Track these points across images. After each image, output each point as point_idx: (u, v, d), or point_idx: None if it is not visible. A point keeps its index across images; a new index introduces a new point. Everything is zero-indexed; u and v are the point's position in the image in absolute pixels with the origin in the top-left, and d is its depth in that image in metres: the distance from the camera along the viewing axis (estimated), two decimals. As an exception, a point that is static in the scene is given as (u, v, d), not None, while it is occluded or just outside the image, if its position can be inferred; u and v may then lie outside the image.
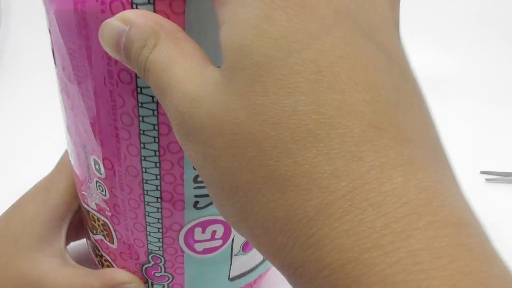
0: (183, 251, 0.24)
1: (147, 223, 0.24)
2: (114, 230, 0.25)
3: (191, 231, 0.23)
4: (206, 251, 0.24)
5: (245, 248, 0.25)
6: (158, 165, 0.22)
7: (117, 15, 0.16)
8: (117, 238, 0.26)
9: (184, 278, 0.26)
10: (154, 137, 0.21)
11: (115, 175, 0.23)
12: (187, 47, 0.15)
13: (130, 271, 0.27)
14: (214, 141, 0.14)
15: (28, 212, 0.27)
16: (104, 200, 0.24)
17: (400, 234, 0.12)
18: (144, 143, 0.21)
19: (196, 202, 0.22)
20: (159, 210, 0.23)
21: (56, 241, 0.27)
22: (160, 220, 0.24)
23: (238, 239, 0.24)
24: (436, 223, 0.12)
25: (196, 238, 0.24)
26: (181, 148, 0.21)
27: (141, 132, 0.21)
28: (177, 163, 0.21)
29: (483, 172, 0.45)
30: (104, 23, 0.16)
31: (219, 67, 0.14)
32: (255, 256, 0.27)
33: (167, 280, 0.26)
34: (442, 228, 0.12)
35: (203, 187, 0.22)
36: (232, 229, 0.23)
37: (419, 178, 0.12)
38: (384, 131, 0.13)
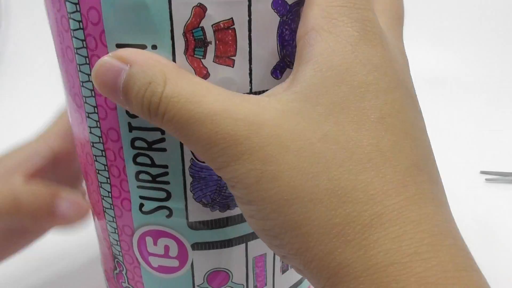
0: (139, 262, 0.22)
1: (106, 220, 0.23)
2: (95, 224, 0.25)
3: (142, 239, 0.21)
4: (163, 269, 0.22)
5: (211, 281, 0.22)
6: (103, 153, 0.20)
7: (112, 53, 0.17)
8: (96, 234, 0.25)
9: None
10: (96, 121, 0.19)
11: (81, 163, 0.22)
12: (204, 82, 0.17)
13: (108, 274, 0.26)
14: (278, 158, 0.16)
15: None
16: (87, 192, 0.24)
17: (433, 246, 0.15)
18: (90, 127, 0.20)
19: (141, 205, 0.20)
20: (112, 207, 0.21)
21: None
22: (114, 219, 0.22)
23: (200, 267, 0.21)
24: (456, 246, 0.16)
25: (148, 249, 0.21)
26: (119, 137, 0.19)
27: (87, 114, 0.20)
28: (118, 154, 0.20)
29: (483, 172, 0.45)
30: (98, 62, 0.17)
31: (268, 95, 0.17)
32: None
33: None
34: (459, 250, 0.16)
35: (147, 187, 0.20)
36: (190, 254, 0.21)
37: (442, 211, 0.16)
38: (422, 171, 0.16)
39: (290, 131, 0.16)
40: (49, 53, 0.24)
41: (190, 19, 0.16)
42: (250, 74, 0.18)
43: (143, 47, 0.17)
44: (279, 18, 0.18)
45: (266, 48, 0.18)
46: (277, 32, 0.18)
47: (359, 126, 0.16)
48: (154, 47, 0.17)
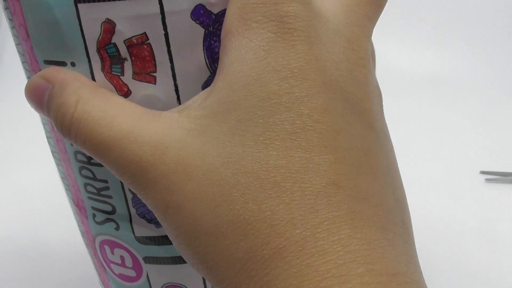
0: (104, 267, 0.23)
1: (76, 223, 0.23)
2: None
3: (102, 247, 0.21)
4: (123, 277, 0.22)
5: None
6: (60, 163, 0.21)
7: (40, 73, 0.17)
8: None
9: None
10: (49, 132, 0.20)
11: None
12: (118, 99, 0.16)
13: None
14: (181, 186, 0.15)
15: None
16: None
17: (339, 278, 0.13)
18: (47, 137, 0.20)
19: (94, 215, 0.20)
20: (75, 212, 0.22)
21: None
22: (79, 224, 0.22)
23: (155, 280, 0.21)
24: (373, 271, 0.13)
25: (108, 257, 0.22)
26: (65, 148, 0.19)
27: (43, 122, 0.20)
28: (69, 165, 0.20)
29: (483, 172, 0.45)
30: (28, 80, 0.17)
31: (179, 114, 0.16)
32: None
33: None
34: (377, 276, 0.13)
35: (95, 199, 0.20)
36: (144, 266, 0.21)
37: (365, 232, 0.14)
38: (342, 189, 0.14)
39: (194, 155, 0.15)
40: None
41: (101, 35, 0.16)
42: (177, 90, 0.17)
43: (63, 64, 0.17)
44: (204, 29, 0.16)
45: (192, 62, 0.16)
46: (204, 45, 0.16)
47: (266, 145, 0.14)
48: (72, 64, 0.17)
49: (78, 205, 0.21)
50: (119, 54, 0.16)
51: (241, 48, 0.15)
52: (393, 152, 0.17)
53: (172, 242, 0.16)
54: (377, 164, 0.15)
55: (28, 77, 0.19)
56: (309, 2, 0.15)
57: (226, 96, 0.15)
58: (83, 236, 0.23)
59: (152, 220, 0.19)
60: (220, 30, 0.16)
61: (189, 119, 0.15)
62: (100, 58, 0.16)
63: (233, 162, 0.14)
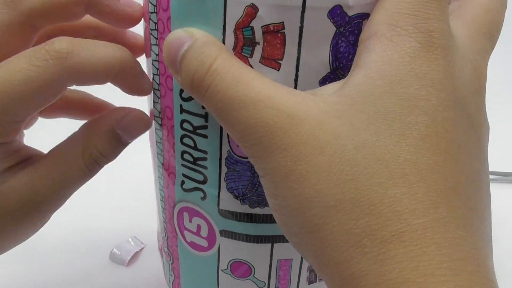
0: (176, 233, 0.24)
1: (158, 187, 0.24)
2: None
3: (180, 213, 0.23)
4: (194, 245, 0.23)
5: (234, 270, 0.23)
6: (160, 127, 0.22)
7: (185, 28, 0.18)
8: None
9: (180, 267, 0.25)
10: (158, 97, 0.21)
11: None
12: (250, 67, 0.17)
13: (158, 237, 0.28)
14: (310, 158, 0.16)
15: None
16: None
17: (452, 271, 0.14)
18: (154, 102, 0.22)
19: (183, 182, 0.22)
20: (161, 177, 0.23)
21: None
22: (162, 188, 0.24)
23: (225, 253, 0.22)
24: (479, 273, 0.15)
25: (185, 224, 0.23)
26: (172, 116, 0.20)
27: (153, 90, 0.21)
28: (170, 132, 0.21)
29: None
30: (171, 32, 0.18)
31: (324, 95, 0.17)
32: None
33: (170, 261, 0.26)
34: (481, 278, 0.15)
35: (189, 167, 0.21)
36: (218, 238, 0.22)
37: (474, 238, 0.15)
38: (459, 195, 0.16)
39: (328, 134, 0.16)
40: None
41: (242, 17, 0.17)
42: (296, 80, 0.18)
43: None
44: (336, 29, 0.17)
45: (317, 57, 0.17)
46: (331, 43, 0.17)
47: (400, 140, 0.15)
48: None
49: (167, 170, 0.22)
50: (254, 38, 0.17)
51: (387, 50, 0.16)
52: (489, 186, 0.18)
53: (276, 211, 0.17)
54: (482, 186, 0.17)
55: (154, 44, 0.20)
56: (449, 25, 0.17)
57: (367, 89, 0.16)
58: (161, 201, 0.24)
59: (238, 197, 0.21)
60: (350, 32, 0.17)
61: (325, 102, 0.16)
62: (235, 38, 0.17)
63: (366, 148, 0.15)
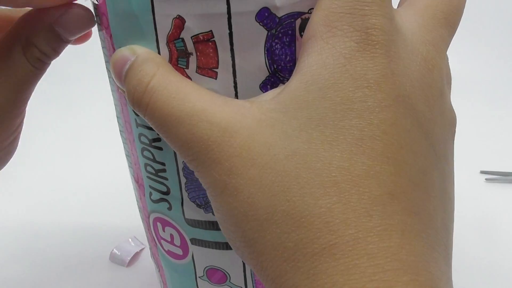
0: (155, 242, 0.24)
1: (135, 198, 0.25)
2: None
3: (155, 223, 0.23)
4: (171, 254, 0.23)
5: (210, 276, 0.23)
6: (126, 141, 0.22)
7: (128, 46, 0.18)
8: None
9: (165, 275, 0.25)
10: (119, 112, 0.22)
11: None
12: (192, 82, 0.17)
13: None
14: (243, 171, 0.15)
15: None
16: None
17: (385, 282, 0.14)
18: (117, 116, 0.22)
19: (150, 193, 0.22)
20: (135, 188, 0.24)
21: None
22: (137, 199, 0.24)
23: (199, 261, 0.22)
24: (417, 282, 0.14)
25: (160, 233, 0.23)
26: (132, 130, 0.21)
27: (115, 103, 0.22)
28: (133, 145, 0.21)
29: (483, 172, 0.45)
30: (116, 50, 0.18)
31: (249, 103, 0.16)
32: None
33: (157, 268, 0.26)
34: (420, 287, 0.14)
35: (153, 179, 0.21)
36: (190, 247, 0.22)
37: (413, 244, 0.14)
38: (397, 200, 0.15)
39: (260, 144, 0.15)
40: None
41: (171, 30, 0.17)
42: (235, 87, 0.18)
43: None
44: (267, 32, 0.17)
45: (252, 61, 0.17)
46: (265, 46, 0.17)
47: (332, 146, 0.15)
48: None
49: (138, 182, 0.23)
50: (186, 49, 0.17)
51: (323, 53, 0.15)
52: (452, 179, 0.17)
53: (220, 224, 0.17)
54: (432, 186, 0.16)
55: (106, 61, 0.21)
56: (392, 18, 0.16)
57: (301, 95, 0.15)
58: (140, 211, 0.25)
59: (201, 206, 0.21)
60: (283, 33, 0.17)
61: (260, 110, 0.16)
62: (168, 51, 0.17)
63: (297, 157, 0.15)
